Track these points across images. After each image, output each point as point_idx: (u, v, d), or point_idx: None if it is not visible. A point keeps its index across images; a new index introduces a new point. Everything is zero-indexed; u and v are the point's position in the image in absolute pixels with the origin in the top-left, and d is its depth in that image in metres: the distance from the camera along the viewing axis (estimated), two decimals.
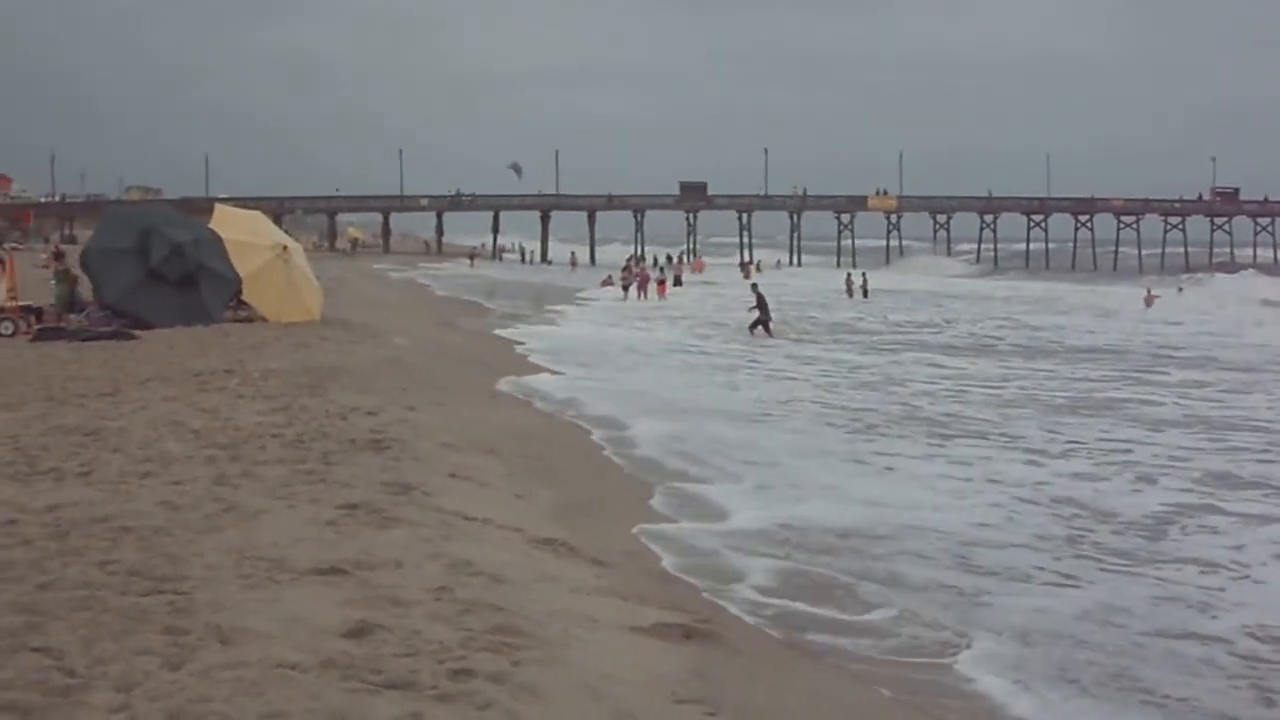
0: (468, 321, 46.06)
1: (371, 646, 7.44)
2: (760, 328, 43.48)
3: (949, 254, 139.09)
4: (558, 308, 55.99)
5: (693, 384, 28.64)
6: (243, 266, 32.73)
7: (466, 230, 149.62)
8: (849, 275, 74.72)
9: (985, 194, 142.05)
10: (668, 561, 12.26)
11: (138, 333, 28.24)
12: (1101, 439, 21.14)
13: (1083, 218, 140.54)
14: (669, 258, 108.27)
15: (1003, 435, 21.44)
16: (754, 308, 43.98)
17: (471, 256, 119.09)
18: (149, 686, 6.60)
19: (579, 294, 69.46)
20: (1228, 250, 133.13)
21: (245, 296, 33.09)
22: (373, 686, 6.79)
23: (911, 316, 56.60)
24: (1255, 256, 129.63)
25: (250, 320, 32.15)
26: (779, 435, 21.03)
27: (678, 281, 74.50)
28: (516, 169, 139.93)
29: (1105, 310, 63.44)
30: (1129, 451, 19.83)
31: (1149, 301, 65.57)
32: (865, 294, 70.06)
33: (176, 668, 6.90)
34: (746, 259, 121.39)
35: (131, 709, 6.31)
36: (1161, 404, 26.38)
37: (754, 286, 46.19)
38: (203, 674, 6.78)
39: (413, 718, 6.42)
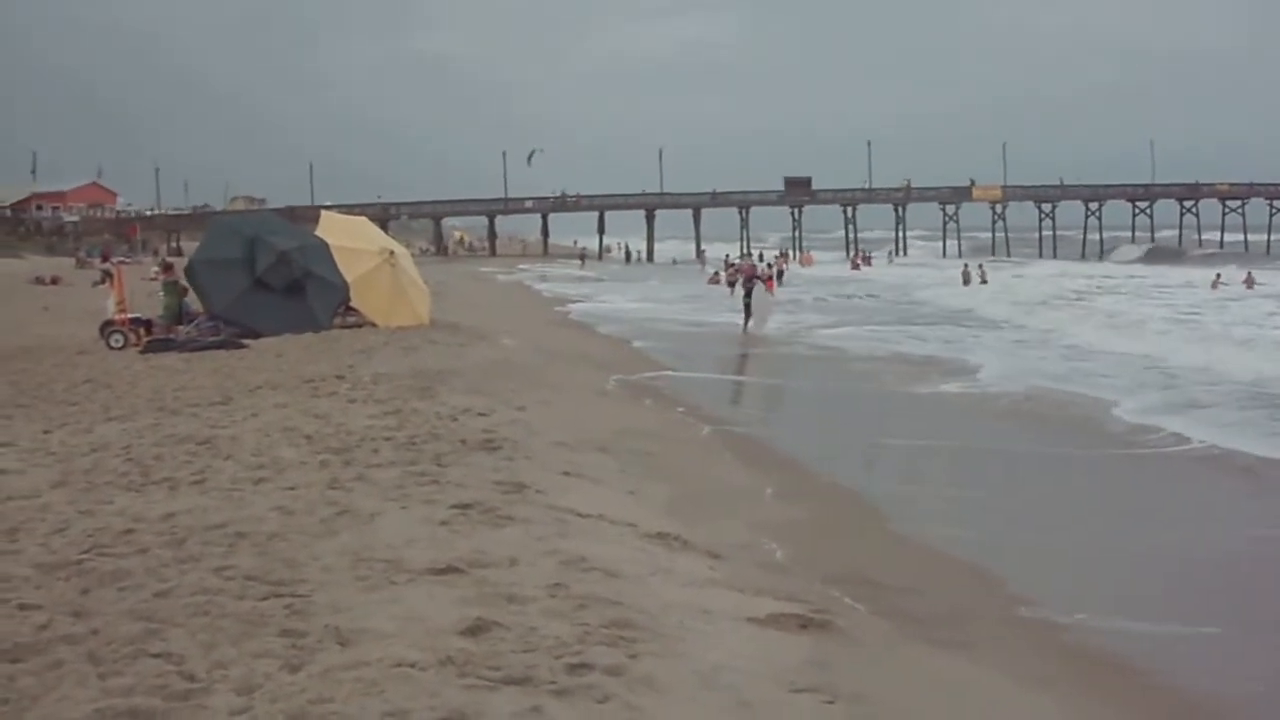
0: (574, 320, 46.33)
1: (489, 644, 7.41)
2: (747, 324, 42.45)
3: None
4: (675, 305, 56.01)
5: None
6: (350, 272, 32.81)
7: (571, 232, 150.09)
8: (966, 266, 74.60)
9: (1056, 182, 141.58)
10: (782, 553, 12.17)
11: (247, 341, 28.37)
12: None
13: (1188, 203, 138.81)
14: (780, 253, 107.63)
15: None
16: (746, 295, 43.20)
17: (582, 257, 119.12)
18: (269, 689, 6.63)
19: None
20: None
21: (353, 302, 33.21)
22: (491, 683, 6.77)
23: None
24: None
25: (359, 326, 32.23)
26: None
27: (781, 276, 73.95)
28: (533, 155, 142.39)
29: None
30: None
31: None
32: (984, 280, 70.33)
33: (296, 669, 6.92)
34: (854, 252, 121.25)
35: (252, 711, 6.34)
36: None
37: (747, 281, 44.80)
38: (323, 675, 6.80)
39: (532, 712, 6.39)
